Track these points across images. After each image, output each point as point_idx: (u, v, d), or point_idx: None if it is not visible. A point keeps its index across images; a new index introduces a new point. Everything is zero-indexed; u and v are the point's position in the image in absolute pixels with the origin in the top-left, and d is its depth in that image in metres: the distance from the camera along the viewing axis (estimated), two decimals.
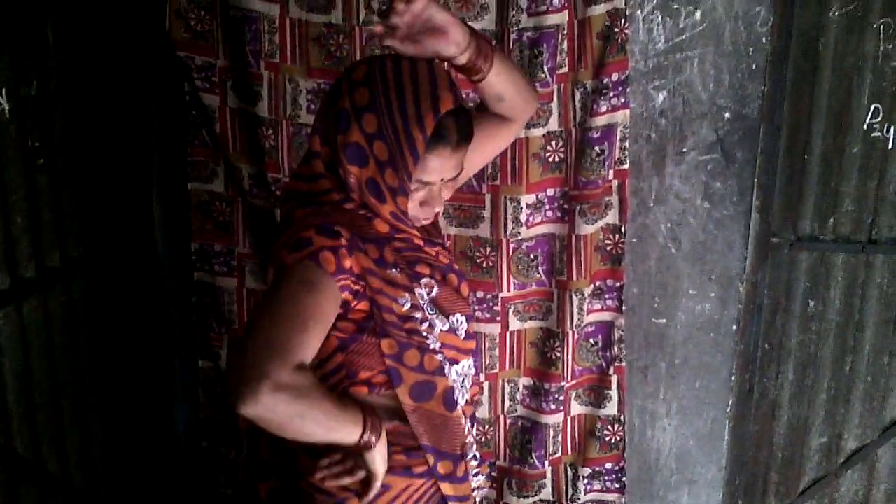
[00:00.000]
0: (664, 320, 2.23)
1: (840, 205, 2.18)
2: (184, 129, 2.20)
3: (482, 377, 2.22)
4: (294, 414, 1.15)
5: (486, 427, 2.30)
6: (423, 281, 1.36)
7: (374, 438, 1.25)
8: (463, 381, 1.40)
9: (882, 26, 2.02)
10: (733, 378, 2.26)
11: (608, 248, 2.16)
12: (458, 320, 1.39)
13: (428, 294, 1.36)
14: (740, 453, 2.38)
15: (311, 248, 1.21)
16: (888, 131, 2.09)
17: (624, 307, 2.20)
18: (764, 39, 2.01)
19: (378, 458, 1.27)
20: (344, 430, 1.23)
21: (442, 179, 1.30)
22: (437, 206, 1.34)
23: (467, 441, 1.41)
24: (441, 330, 1.36)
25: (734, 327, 2.21)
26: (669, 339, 2.23)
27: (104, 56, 2.07)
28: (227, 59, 2.11)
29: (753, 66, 2.03)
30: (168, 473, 2.45)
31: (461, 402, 1.39)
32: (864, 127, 2.10)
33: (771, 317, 2.29)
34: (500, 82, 1.37)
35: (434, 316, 1.36)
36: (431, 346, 1.34)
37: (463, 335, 1.40)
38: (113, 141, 2.13)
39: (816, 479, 2.40)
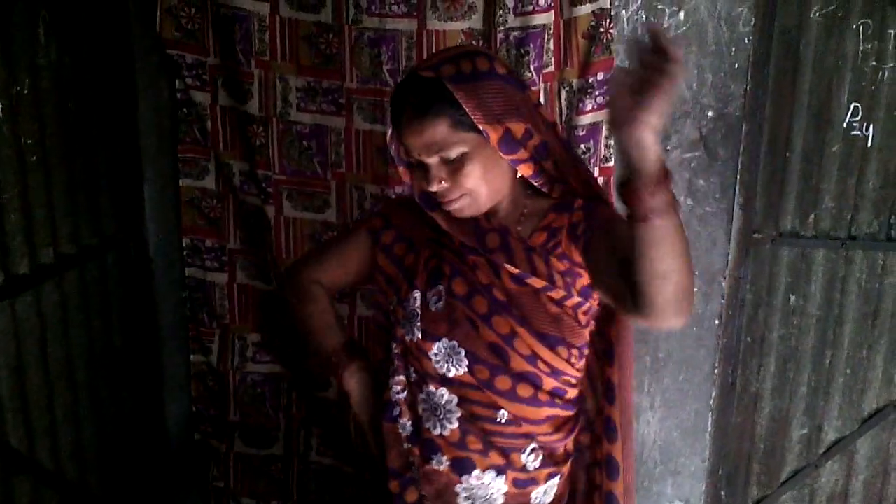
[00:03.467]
0: None
1: (821, 201, 2.22)
2: (174, 126, 2.22)
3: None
4: (295, 304, 1.54)
5: None
6: (439, 288, 1.32)
7: (341, 370, 1.48)
8: (435, 409, 1.34)
9: (861, 27, 2.06)
10: (716, 371, 2.30)
11: None
12: (447, 347, 1.30)
13: (434, 304, 1.32)
14: (723, 445, 2.42)
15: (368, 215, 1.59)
16: (867, 129, 2.13)
17: None
18: (746, 40, 2.04)
19: (349, 391, 1.48)
20: (318, 346, 1.51)
21: (419, 155, 1.25)
22: (433, 186, 1.24)
23: (412, 469, 1.39)
24: (411, 340, 1.33)
25: (717, 321, 2.25)
26: (653, 334, 2.26)
27: (95, 54, 2.08)
28: (218, 57, 2.13)
29: (736, 66, 2.06)
30: (160, 466, 2.47)
31: (406, 423, 1.38)
32: (844, 125, 2.14)
33: (753, 311, 2.33)
34: (656, 246, 1.02)
35: (413, 324, 1.33)
36: (394, 350, 1.39)
37: (445, 368, 1.31)
38: (104, 138, 2.14)
39: (797, 469, 2.44)
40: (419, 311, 1.32)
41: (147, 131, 2.25)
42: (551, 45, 2.04)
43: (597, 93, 2.06)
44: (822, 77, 2.12)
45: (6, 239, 1.81)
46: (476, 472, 1.34)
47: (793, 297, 2.30)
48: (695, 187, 2.15)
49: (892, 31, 2.06)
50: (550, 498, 1.42)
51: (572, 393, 1.37)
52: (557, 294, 1.28)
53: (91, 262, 2.11)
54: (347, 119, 2.13)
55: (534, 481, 1.37)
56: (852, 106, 2.12)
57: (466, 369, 1.30)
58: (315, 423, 2.39)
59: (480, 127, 1.20)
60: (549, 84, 2.07)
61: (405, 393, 1.38)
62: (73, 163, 2.01)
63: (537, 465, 1.37)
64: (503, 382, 1.29)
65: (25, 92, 1.83)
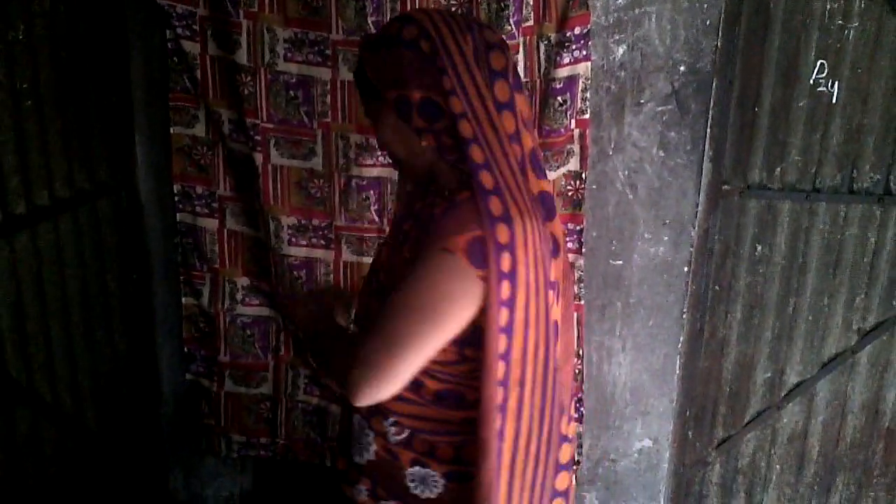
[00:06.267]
0: (621, 262, 2.35)
1: (787, 155, 2.30)
2: (165, 75, 2.28)
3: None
4: None
5: None
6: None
7: None
8: None
9: None
10: (685, 317, 2.39)
11: (569, 194, 2.28)
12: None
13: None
14: (690, 387, 2.52)
15: None
16: (832, 86, 2.20)
17: (584, 249, 2.31)
18: None
19: None
20: None
21: None
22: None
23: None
24: None
25: (686, 269, 2.34)
26: (625, 280, 2.36)
27: (88, 3, 2.13)
28: (207, 8, 2.18)
29: (708, 22, 2.13)
30: (153, 404, 2.58)
31: None
32: (811, 82, 2.21)
33: (721, 260, 2.42)
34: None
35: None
36: None
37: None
38: (96, 86, 2.20)
39: (760, 411, 2.54)
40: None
41: (138, 80, 2.31)
42: (530, 0, 2.10)
43: (574, 47, 2.13)
44: (790, 35, 2.19)
45: (3, 180, 1.88)
46: (355, 416, 1.33)
47: (759, 247, 2.39)
48: (666, 140, 2.23)
49: None
50: (433, 495, 1.27)
51: (433, 386, 1.24)
52: (392, 284, 1.22)
53: (85, 206, 2.18)
54: (333, 70, 2.19)
55: (396, 457, 1.28)
56: (818, 63, 2.19)
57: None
58: (302, 363, 2.49)
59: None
60: (528, 38, 2.14)
61: None
62: (66, 109, 2.07)
63: (399, 441, 1.28)
64: None
65: (21, 38, 1.89)
